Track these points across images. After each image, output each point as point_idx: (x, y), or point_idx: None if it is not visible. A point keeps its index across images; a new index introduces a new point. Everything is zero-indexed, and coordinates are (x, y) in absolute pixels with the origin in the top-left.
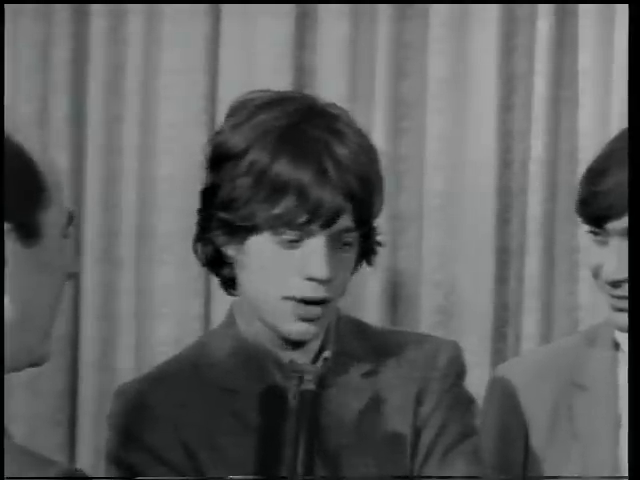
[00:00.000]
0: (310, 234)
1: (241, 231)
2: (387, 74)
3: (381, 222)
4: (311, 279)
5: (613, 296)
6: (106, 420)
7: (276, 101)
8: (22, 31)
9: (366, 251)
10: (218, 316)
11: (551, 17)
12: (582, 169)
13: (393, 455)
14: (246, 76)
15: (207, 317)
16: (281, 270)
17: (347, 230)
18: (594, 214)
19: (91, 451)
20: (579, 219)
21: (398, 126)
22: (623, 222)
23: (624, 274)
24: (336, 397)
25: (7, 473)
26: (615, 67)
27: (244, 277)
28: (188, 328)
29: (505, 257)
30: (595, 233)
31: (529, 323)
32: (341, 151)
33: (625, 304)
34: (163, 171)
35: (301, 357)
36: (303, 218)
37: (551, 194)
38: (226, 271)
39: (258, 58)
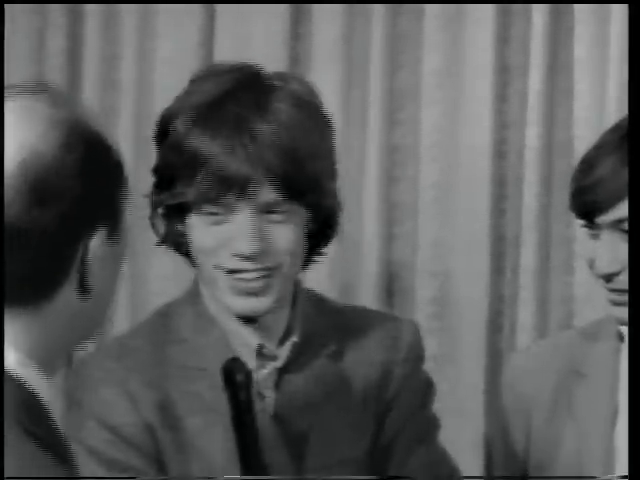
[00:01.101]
0: (232, 209)
1: (176, 208)
2: (382, 65)
3: (375, 213)
4: (237, 255)
5: (609, 290)
6: (64, 395)
7: (215, 73)
8: (17, 21)
9: (315, 217)
10: None
11: (546, 8)
12: (577, 160)
13: (355, 439)
14: None
15: None
16: (213, 246)
17: (274, 203)
18: (583, 208)
19: None
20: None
21: (393, 117)
22: (611, 215)
23: (616, 267)
24: (302, 379)
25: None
26: (611, 57)
27: (192, 251)
28: None
29: (501, 248)
30: (587, 227)
31: (524, 314)
32: (260, 126)
33: (620, 297)
34: None
35: (268, 340)
36: (214, 192)
37: (547, 185)
38: (181, 247)
39: (252, 48)
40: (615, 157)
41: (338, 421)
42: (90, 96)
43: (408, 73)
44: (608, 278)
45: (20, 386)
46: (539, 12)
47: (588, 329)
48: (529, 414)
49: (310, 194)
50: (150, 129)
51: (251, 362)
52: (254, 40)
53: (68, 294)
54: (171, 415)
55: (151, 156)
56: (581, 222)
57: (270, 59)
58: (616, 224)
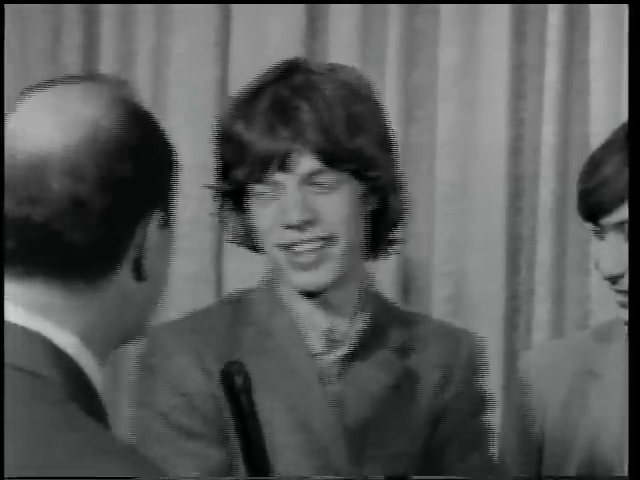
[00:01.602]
0: (280, 185)
1: (236, 197)
2: (398, 62)
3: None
4: (288, 226)
5: (616, 291)
6: (138, 361)
7: (268, 70)
8: (33, 18)
9: (370, 189)
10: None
11: (562, 6)
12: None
13: (411, 434)
14: (256, 64)
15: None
16: (268, 225)
17: (316, 172)
18: (589, 210)
19: None
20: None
21: (409, 115)
22: (614, 217)
23: (621, 269)
24: (367, 369)
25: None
26: (626, 53)
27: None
28: None
29: (517, 245)
30: (594, 228)
31: (540, 312)
32: (297, 104)
33: (626, 299)
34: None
35: (338, 323)
36: (258, 170)
37: (563, 182)
38: (250, 240)
39: (268, 47)
40: (620, 157)
41: (397, 415)
42: None
43: (424, 70)
44: (613, 280)
45: (78, 371)
46: (555, 10)
47: (600, 330)
48: (544, 412)
49: (352, 163)
50: (163, 124)
51: (319, 346)
52: (270, 38)
53: (125, 277)
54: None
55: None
56: (588, 224)
57: (287, 57)
58: (620, 226)
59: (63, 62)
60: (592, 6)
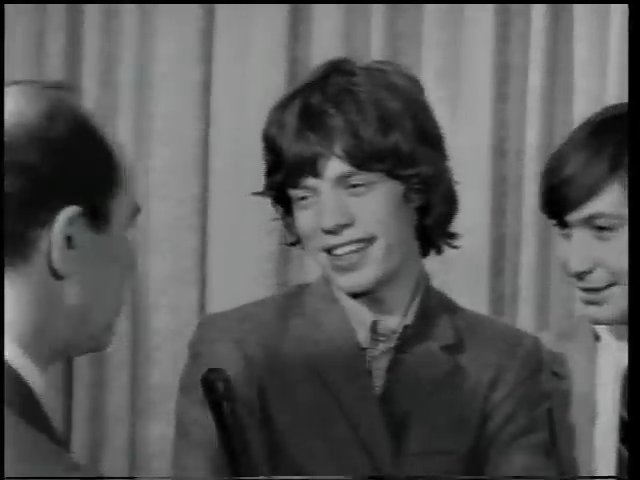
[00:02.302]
0: (315, 191)
1: (283, 201)
2: None
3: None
4: (327, 231)
5: (581, 289)
6: (188, 347)
7: (313, 71)
8: (18, 22)
9: (410, 187)
10: (214, 305)
11: (546, 7)
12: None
13: (457, 432)
14: (240, 67)
15: (202, 307)
16: (309, 229)
17: (349, 174)
18: (554, 207)
19: (86, 442)
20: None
21: None
22: (582, 212)
23: (588, 265)
24: (413, 363)
25: (34, 472)
26: (610, 56)
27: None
28: (183, 317)
29: (500, 247)
30: (559, 226)
31: (524, 313)
32: (325, 109)
33: (593, 296)
34: (157, 161)
35: (386, 316)
36: (292, 175)
37: None
38: (300, 244)
39: (253, 49)
40: (585, 153)
41: (444, 411)
42: (89, 95)
43: None
44: (580, 276)
45: (15, 376)
46: (538, 13)
47: (563, 330)
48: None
49: (385, 163)
50: (149, 128)
51: (366, 339)
52: (253, 42)
53: (42, 272)
54: (282, 378)
55: (150, 153)
56: (552, 222)
57: (269, 60)
58: (588, 221)
59: (48, 65)
60: (576, 8)
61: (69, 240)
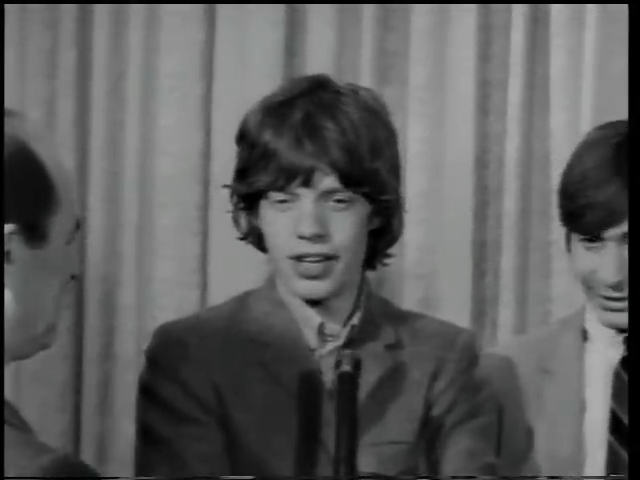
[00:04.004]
0: (297, 197)
1: (251, 199)
2: (371, 80)
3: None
4: (302, 237)
5: (609, 297)
6: (144, 354)
7: (289, 81)
8: (30, 38)
9: (376, 211)
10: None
11: (524, 25)
12: (555, 169)
13: (403, 423)
14: (240, 81)
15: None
16: (280, 232)
17: (335, 190)
18: (592, 224)
19: (94, 437)
20: (575, 232)
21: None
22: (618, 229)
23: (622, 276)
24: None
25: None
26: (585, 71)
27: (265, 242)
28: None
29: (482, 252)
30: (590, 240)
31: (505, 314)
32: (324, 122)
33: (619, 304)
34: (162, 171)
35: (331, 321)
36: (282, 180)
37: (525, 192)
38: (259, 241)
39: (251, 64)
40: (619, 177)
41: (391, 404)
42: (98, 107)
43: (396, 88)
44: (616, 287)
45: None
46: (517, 30)
47: (552, 328)
48: (501, 411)
49: (368, 185)
50: (154, 139)
51: (313, 340)
52: (250, 57)
53: None
54: (238, 379)
55: (155, 163)
56: (580, 236)
57: (266, 75)
58: (625, 235)
59: (59, 80)
60: (553, 26)
61: (7, 255)
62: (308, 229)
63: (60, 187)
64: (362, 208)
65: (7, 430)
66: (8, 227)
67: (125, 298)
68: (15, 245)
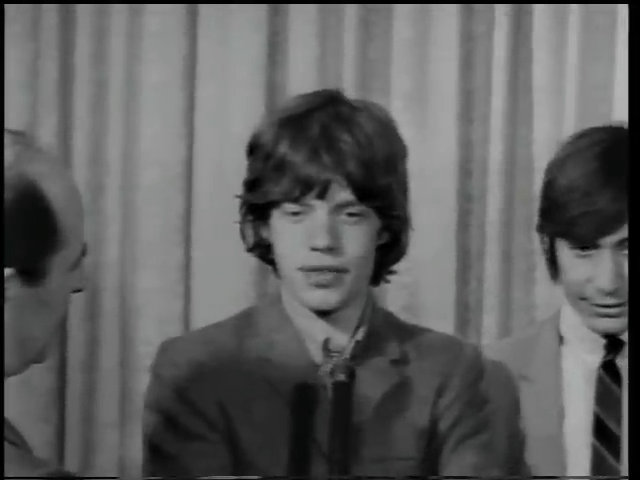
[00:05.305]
0: (311, 208)
1: (262, 210)
2: (354, 89)
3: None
4: (314, 249)
5: (603, 305)
6: (150, 370)
7: (302, 95)
8: (12, 49)
9: (386, 226)
10: (198, 317)
11: (507, 34)
12: (537, 177)
13: (409, 439)
14: (222, 91)
15: (187, 318)
16: (292, 243)
17: (348, 203)
18: (588, 233)
19: (78, 447)
20: (565, 242)
21: None
22: (614, 236)
23: (620, 282)
24: (363, 377)
25: None
26: (568, 79)
27: (274, 255)
28: (169, 328)
29: (466, 260)
30: (583, 249)
31: (489, 321)
32: (341, 135)
33: (613, 310)
34: (145, 180)
35: (338, 332)
36: (297, 192)
37: (508, 200)
38: (266, 253)
39: (233, 75)
40: (611, 186)
41: (397, 419)
42: (81, 117)
43: (379, 97)
44: (613, 293)
45: None
46: (500, 40)
47: (529, 334)
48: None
49: (380, 200)
50: (137, 148)
51: (318, 356)
52: (234, 68)
53: None
54: (242, 395)
55: (138, 172)
56: (573, 245)
57: (249, 84)
58: (621, 243)
59: (41, 90)
60: (535, 35)
61: (3, 294)
62: (322, 241)
63: (67, 226)
64: (373, 222)
65: (7, 447)
66: (7, 271)
67: (108, 308)
68: (12, 285)
